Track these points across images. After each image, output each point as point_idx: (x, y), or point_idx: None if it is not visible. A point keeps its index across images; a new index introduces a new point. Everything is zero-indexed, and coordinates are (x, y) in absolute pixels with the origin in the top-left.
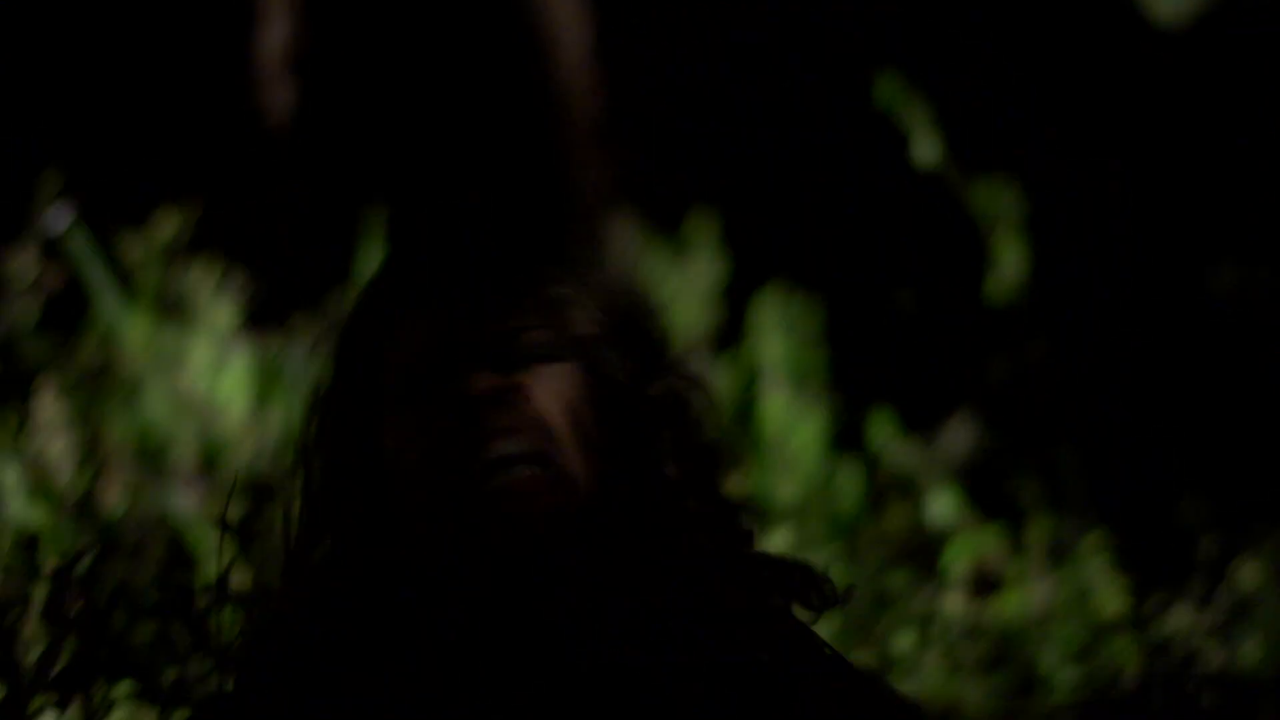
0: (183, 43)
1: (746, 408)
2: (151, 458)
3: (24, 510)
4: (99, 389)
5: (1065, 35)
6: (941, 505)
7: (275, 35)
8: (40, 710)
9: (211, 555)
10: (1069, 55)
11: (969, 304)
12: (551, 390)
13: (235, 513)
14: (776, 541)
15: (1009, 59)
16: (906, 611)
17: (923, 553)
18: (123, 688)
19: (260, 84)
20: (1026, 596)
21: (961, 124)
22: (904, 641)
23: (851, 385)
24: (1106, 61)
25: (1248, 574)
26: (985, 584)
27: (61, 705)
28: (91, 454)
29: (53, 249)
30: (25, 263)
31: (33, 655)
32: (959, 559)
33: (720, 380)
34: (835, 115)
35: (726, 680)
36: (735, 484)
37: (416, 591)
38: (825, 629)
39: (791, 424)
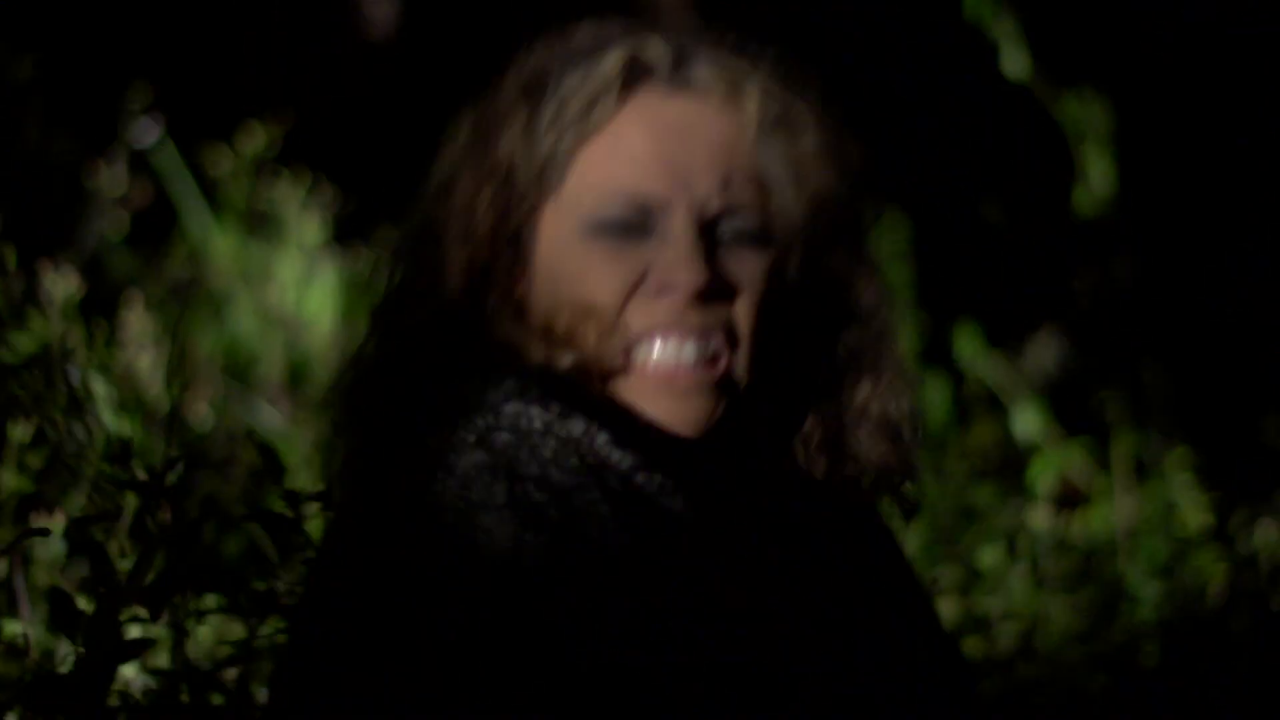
0: None
1: None
2: (239, 371)
3: (113, 422)
4: (187, 302)
5: None
6: (1027, 420)
7: None
8: (130, 621)
9: (299, 468)
10: None
11: (1056, 218)
12: (752, 289)
13: (321, 426)
14: None
15: None
16: (993, 526)
17: (1009, 467)
18: (211, 599)
19: None
20: (1112, 512)
21: (1050, 36)
22: (990, 556)
23: (938, 300)
24: None
25: None
26: (1071, 499)
27: (151, 616)
28: (180, 367)
29: (141, 162)
30: (114, 176)
31: (123, 567)
32: (1045, 474)
33: None
34: (924, 28)
35: (726, 680)
36: None
37: (417, 591)
38: (913, 543)
39: None
